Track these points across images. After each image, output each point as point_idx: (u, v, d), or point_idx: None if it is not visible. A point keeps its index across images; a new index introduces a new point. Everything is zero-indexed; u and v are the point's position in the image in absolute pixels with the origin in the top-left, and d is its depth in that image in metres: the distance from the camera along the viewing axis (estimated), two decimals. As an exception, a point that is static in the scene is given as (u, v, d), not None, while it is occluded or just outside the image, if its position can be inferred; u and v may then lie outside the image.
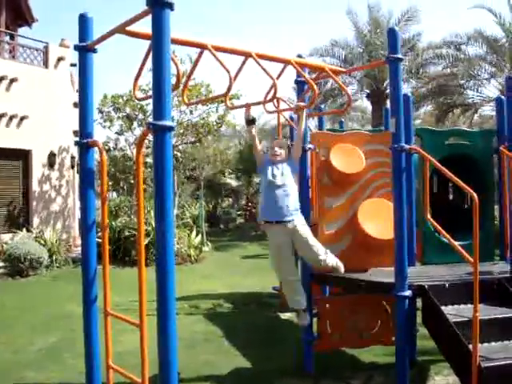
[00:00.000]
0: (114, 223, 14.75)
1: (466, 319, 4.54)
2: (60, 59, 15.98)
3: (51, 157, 15.66)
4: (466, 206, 7.54)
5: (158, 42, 3.09)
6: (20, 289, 11.30)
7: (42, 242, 13.70)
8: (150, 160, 16.55)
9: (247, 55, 4.47)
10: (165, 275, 3.16)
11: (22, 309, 9.20)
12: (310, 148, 5.80)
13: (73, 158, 16.98)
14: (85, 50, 4.03)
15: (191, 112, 18.07)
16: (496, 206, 6.82)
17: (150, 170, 16.31)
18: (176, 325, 3.26)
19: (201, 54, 4.33)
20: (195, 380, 5.59)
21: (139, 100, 5.32)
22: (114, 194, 20.86)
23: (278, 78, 4.81)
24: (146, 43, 3.85)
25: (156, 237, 3.21)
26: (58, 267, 13.56)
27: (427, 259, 6.17)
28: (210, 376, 5.65)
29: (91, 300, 4.05)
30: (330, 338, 5.80)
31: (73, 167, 17.06)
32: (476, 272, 4.34)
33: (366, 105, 26.87)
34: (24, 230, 14.20)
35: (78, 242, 16.11)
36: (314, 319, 5.89)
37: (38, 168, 15.38)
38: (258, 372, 5.85)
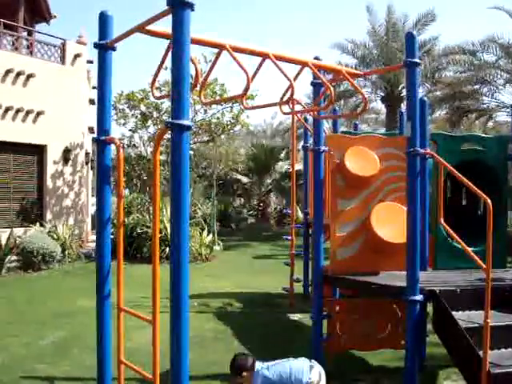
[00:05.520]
0: (126, 220, 14.83)
1: (477, 325, 4.54)
2: (77, 56, 16.09)
3: (66, 152, 15.74)
4: (479, 212, 7.52)
5: (178, 42, 3.12)
6: (32, 283, 11.40)
7: (55, 236, 13.80)
8: (163, 158, 16.65)
9: (265, 56, 4.49)
10: (179, 273, 3.19)
11: (34, 302, 9.29)
12: (324, 150, 5.82)
13: (87, 154, 17.08)
14: (104, 48, 4.08)
15: (205, 111, 18.16)
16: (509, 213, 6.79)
17: (162, 168, 16.40)
18: (188, 323, 3.29)
19: (219, 54, 4.35)
20: (204, 378, 5.62)
21: (157, 99, 5.36)
22: (127, 191, 20.96)
23: (294, 80, 4.83)
24: (158, 41, 3.89)
25: (171, 235, 3.24)
26: (69, 262, 13.67)
27: (439, 264, 6.17)
28: (218, 375, 5.67)
29: (104, 295, 4.09)
30: (340, 339, 5.81)
31: (87, 163, 17.16)
32: (488, 278, 4.33)
33: (381, 107, 26.84)
34: (37, 224, 14.31)
35: (90, 237, 16.24)
36: (324, 320, 5.90)
37: (52, 163, 15.48)
38: (266, 372, 5.86)
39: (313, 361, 4.59)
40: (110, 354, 4.22)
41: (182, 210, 3.17)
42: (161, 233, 13.03)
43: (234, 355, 4.58)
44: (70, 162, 16.02)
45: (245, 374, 4.37)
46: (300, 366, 4.46)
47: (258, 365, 4.45)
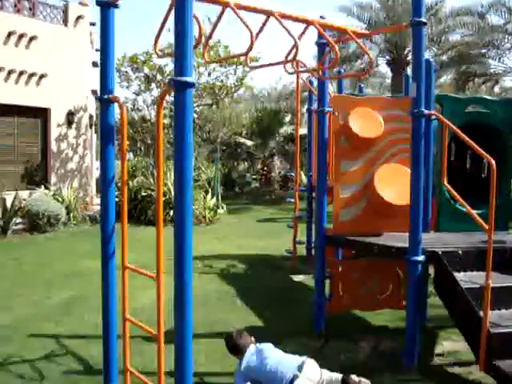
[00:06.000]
0: (130, 183, 14.91)
1: (478, 286, 4.58)
2: (79, 17, 15.90)
3: (69, 115, 15.72)
4: (482, 176, 7.51)
5: (180, -2, 3.07)
6: (38, 245, 11.51)
7: (60, 199, 13.88)
8: (166, 122, 16.61)
9: (269, 14, 4.44)
10: (183, 232, 3.21)
11: (40, 264, 9.40)
12: (328, 111, 5.79)
13: (91, 117, 17.03)
14: (106, 6, 4.02)
15: (209, 74, 18.04)
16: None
17: (166, 131, 16.37)
18: (192, 281, 3.32)
19: (222, 11, 4.30)
20: (208, 336, 5.72)
21: (160, 57, 5.30)
22: (131, 154, 20.97)
23: (299, 39, 4.77)
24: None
25: (175, 195, 3.25)
26: (75, 225, 13.78)
27: (442, 226, 6.18)
28: (222, 333, 5.74)
29: (109, 254, 4.13)
30: (342, 300, 5.88)
31: (91, 126, 17.13)
32: (490, 239, 4.34)
33: (386, 70, 26.55)
34: (42, 187, 14.37)
35: (95, 200, 16.32)
36: (327, 281, 5.97)
37: (56, 126, 15.47)
38: (269, 330, 5.94)
39: (306, 358, 4.21)
40: (115, 311, 4.28)
41: (185, 170, 3.17)
42: (165, 196, 13.07)
43: (229, 334, 4.49)
44: (74, 125, 16.01)
45: (235, 354, 4.36)
46: (289, 362, 4.16)
47: (250, 349, 4.29)
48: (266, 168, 24.60)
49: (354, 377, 4.12)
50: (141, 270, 3.85)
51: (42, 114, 15.22)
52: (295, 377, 4.00)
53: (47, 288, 7.77)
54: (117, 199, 4.37)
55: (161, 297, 3.54)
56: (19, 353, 5.27)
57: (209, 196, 15.52)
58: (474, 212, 4.69)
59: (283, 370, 4.06)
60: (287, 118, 26.14)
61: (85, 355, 5.21)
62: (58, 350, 5.39)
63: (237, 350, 4.34)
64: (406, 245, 4.96)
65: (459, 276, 4.80)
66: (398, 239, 5.33)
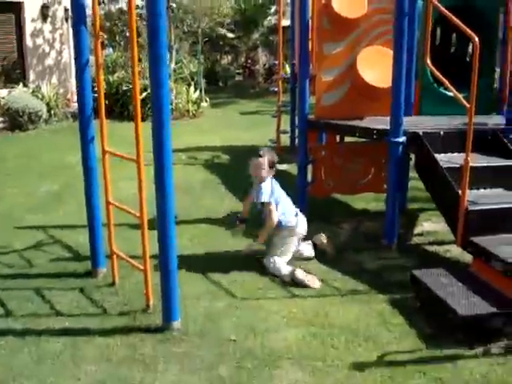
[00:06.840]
0: (110, 78, 14.55)
1: (458, 166, 4.61)
2: None
3: (44, 9, 15.11)
4: (467, 59, 7.40)
5: None
6: (21, 142, 11.43)
7: (40, 96, 13.59)
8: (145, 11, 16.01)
9: None
10: (161, 121, 3.20)
11: (27, 159, 9.41)
12: (310, -10, 5.57)
13: (66, 10, 16.38)
14: None
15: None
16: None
17: (146, 23, 15.81)
18: (172, 170, 3.33)
19: None
20: (192, 222, 5.81)
21: None
22: (111, 49, 20.30)
23: None
24: None
25: (150, 82, 3.19)
26: (57, 122, 13.57)
27: (424, 110, 6.14)
28: (206, 218, 5.87)
29: (88, 140, 4.10)
30: (324, 184, 5.92)
31: (66, 20, 16.52)
32: (471, 118, 4.30)
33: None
34: (20, 84, 14.02)
35: (76, 97, 16.05)
36: (309, 168, 6.00)
37: (30, 21, 14.87)
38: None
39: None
40: (98, 197, 4.32)
41: (159, 58, 3.14)
42: (146, 90, 12.80)
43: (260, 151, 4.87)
44: (49, 19, 15.41)
45: (270, 169, 4.77)
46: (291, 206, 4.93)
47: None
48: (249, 61, 24.02)
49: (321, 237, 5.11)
50: (121, 154, 3.84)
51: (15, 8, 14.54)
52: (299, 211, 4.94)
53: (36, 181, 7.83)
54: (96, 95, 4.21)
55: (142, 176, 3.55)
56: (8, 243, 5.34)
57: (192, 89, 15.23)
58: (455, 91, 4.63)
59: (290, 204, 4.92)
60: (272, 10, 25.26)
61: (72, 243, 5.30)
62: (46, 240, 5.47)
63: (269, 163, 4.79)
64: (388, 127, 4.96)
65: (440, 157, 4.83)
66: (380, 122, 5.31)
